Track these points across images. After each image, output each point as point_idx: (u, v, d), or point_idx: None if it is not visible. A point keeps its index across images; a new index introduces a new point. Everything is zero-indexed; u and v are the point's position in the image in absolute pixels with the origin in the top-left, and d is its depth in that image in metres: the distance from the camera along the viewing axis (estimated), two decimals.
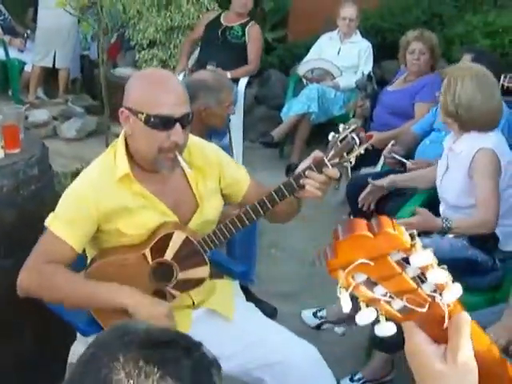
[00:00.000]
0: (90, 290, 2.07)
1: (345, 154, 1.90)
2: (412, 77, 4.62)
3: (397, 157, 3.89)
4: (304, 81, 5.76)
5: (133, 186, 2.08)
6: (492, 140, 2.98)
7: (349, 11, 5.58)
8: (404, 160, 3.81)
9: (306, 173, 1.95)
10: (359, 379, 3.03)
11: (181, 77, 5.62)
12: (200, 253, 2.10)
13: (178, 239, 2.06)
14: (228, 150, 4.05)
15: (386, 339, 3.12)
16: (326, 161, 1.92)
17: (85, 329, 2.19)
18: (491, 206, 2.85)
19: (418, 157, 3.96)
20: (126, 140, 2.10)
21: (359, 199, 3.58)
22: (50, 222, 2.08)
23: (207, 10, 5.87)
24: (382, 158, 4.45)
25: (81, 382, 1.00)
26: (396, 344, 3.04)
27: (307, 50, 6.13)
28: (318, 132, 5.81)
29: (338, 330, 3.42)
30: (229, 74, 5.14)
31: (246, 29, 5.64)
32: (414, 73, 4.58)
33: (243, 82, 5.52)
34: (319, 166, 1.93)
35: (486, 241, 2.98)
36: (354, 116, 5.20)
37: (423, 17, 6.15)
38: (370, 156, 4.44)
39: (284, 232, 4.19)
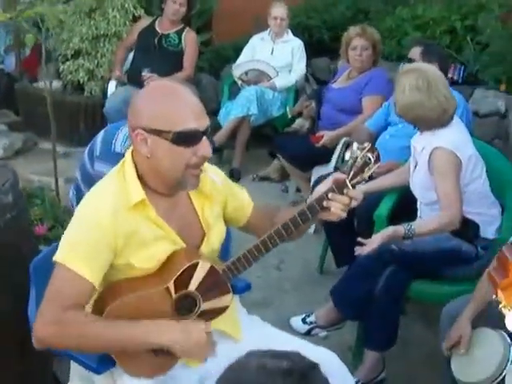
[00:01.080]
0: (123, 333, 1.86)
1: (361, 174, 1.96)
2: (355, 73, 4.62)
3: None
4: (239, 83, 5.68)
5: (148, 213, 1.91)
6: (449, 137, 2.98)
7: (279, 10, 5.56)
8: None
9: (330, 195, 1.96)
10: (356, 383, 2.99)
11: (113, 85, 5.44)
12: (224, 281, 1.99)
13: (202, 269, 1.94)
14: None
15: (376, 337, 3.04)
16: (347, 182, 1.95)
17: (97, 367, 2.01)
18: (452, 207, 2.88)
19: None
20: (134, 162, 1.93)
21: None
22: (64, 256, 1.84)
23: (133, 16, 5.68)
24: (335, 157, 4.44)
25: None
26: (386, 341, 3.05)
27: (235, 52, 6.05)
28: (257, 134, 5.75)
29: (321, 334, 3.38)
30: None
31: (183, 36, 5.53)
32: (356, 68, 4.58)
33: None
34: (341, 187, 1.96)
35: (466, 230, 3.02)
36: (298, 116, 5.16)
37: (348, 13, 6.18)
38: (323, 155, 4.47)
39: (245, 238, 4.07)
